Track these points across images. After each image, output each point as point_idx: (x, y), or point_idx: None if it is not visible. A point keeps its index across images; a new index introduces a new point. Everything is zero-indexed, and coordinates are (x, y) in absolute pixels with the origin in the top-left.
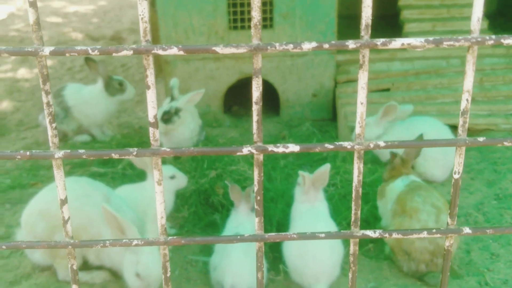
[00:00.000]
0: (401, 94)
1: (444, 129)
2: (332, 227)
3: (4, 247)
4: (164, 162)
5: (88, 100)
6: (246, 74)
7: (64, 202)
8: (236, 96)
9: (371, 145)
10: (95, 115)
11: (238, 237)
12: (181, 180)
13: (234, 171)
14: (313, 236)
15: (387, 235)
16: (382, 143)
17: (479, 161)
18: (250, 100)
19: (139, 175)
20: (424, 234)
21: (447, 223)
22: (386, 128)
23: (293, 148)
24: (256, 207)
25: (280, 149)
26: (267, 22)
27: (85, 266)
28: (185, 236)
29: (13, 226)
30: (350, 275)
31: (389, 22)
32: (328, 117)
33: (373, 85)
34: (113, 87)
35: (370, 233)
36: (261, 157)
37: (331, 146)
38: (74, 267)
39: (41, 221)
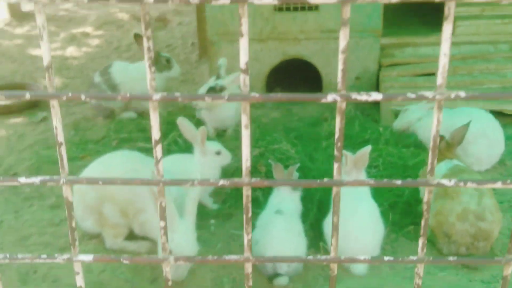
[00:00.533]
0: (447, 78)
1: (490, 118)
2: (373, 208)
3: (85, 181)
4: (208, 138)
5: (136, 76)
6: (290, 56)
7: (158, 142)
8: (278, 78)
9: (452, 95)
10: (143, 91)
11: (318, 181)
12: (226, 157)
13: (277, 150)
14: (389, 183)
15: (462, 183)
16: (463, 94)
17: None
18: (292, 81)
19: (184, 151)
20: (499, 185)
21: None
22: (429, 113)
23: (376, 96)
24: (336, 153)
25: (363, 97)
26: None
27: (131, 237)
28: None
29: (63, 196)
30: (422, 222)
31: (435, 6)
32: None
33: (419, 69)
34: (160, 63)
35: (445, 181)
36: (343, 105)
37: (413, 96)
38: (163, 204)
39: (92, 191)
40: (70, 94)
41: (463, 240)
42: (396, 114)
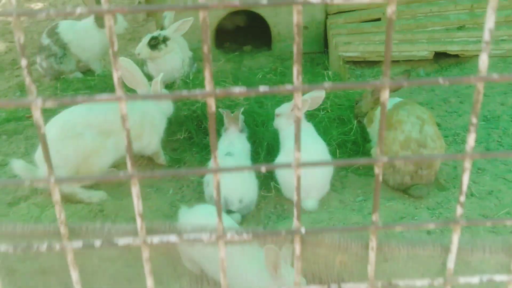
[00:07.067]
0: None
1: None
2: (321, 145)
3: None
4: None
5: (83, 34)
6: (237, 7)
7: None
8: (228, 34)
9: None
10: (92, 47)
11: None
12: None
13: (226, 97)
14: (347, 161)
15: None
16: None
17: (468, 86)
18: (241, 36)
19: None
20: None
21: None
22: None
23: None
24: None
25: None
26: None
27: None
28: None
29: (9, 155)
30: (374, 202)
31: None
32: (320, 49)
33: (365, 15)
34: (102, 19)
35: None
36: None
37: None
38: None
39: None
40: None
41: (407, 169)
42: (344, 60)
